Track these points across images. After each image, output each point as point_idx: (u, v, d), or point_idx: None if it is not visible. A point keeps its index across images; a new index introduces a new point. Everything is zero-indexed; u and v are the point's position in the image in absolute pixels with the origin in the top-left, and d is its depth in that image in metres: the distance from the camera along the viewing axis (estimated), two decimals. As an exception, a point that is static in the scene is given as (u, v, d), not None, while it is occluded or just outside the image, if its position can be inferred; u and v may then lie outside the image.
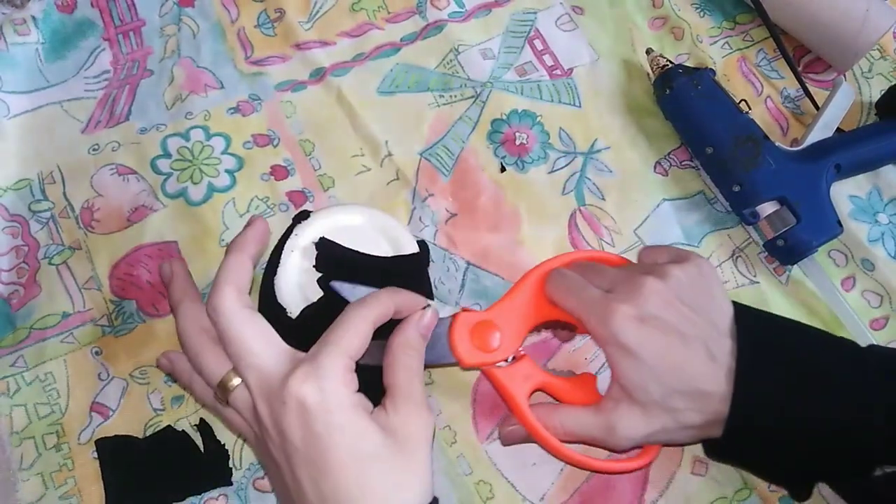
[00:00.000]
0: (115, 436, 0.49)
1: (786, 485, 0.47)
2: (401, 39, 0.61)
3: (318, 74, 0.60)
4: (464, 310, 0.46)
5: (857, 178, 0.58)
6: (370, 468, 0.37)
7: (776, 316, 0.47)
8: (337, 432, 0.37)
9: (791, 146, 0.56)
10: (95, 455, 0.49)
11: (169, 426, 0.49)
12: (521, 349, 0.47)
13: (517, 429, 0.46)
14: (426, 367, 0.44)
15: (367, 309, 0.41)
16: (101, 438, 0.49)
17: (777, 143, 0.55)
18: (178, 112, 0.58)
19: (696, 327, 0.43)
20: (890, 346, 0.53)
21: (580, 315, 0.45)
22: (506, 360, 0.46)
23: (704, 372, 0.42)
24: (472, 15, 0.62)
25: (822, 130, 0.56)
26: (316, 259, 0.46)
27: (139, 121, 0.58)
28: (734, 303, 0.45)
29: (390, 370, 0.41)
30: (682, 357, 0.42)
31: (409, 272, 0.48)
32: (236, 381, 0.40)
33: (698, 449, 0.50)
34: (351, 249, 0.47)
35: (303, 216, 0.48)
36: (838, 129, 0.57)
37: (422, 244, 0.50)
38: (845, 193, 0.58)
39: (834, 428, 0.41)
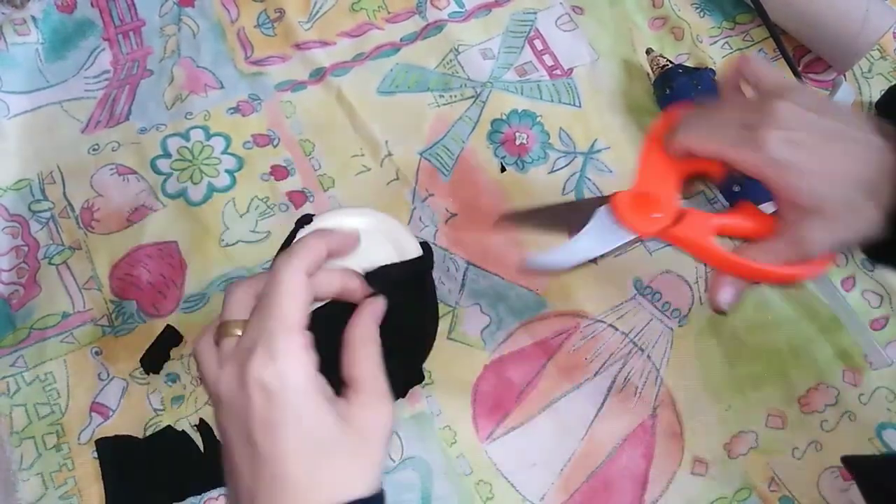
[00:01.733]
0: (115, 436, 0.49)
1: None
2: (401, 39, 0.61)
3: (318, 74, 0.60)
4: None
5: (857, 178, 0.58)
6: (322, 458, 0.36)
7: None
8: (293, 419, 0.36)
9: (791, 146, 0.56)
10: (95, 455, 0.49)
11: (169, 426, 0.49)
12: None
13: (728, 289, 0.45)
14: (402, 346, 0.43)
15: (297, 262, 0.39)
16: (101, 438, 0.49)
17: (777, 143, 0.55)
18: (178, 112, 0.58)
19: (837, 125, 0.43)
20: (889, 346, 0.53)
21: (727, 154, 0.44)
22: (675, 222, 0.45)
23: (864, 158, 0.42)
24: (472, 15, 0.62)
25: (822, 130, 0.56)
26: None
27: (139, 121, 0.58)
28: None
29: (351, 363, 0.39)
30: (838, 151, 0.42)
31: (413, 277, 0.48)
32: (237, 331, 0.39)
33: (698, 449, 0.50)
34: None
35: (305, 220, 0.49)
36: (838, 129, 0.57)
37: (425, 246, 0.50)
38: (845, 193, 0.58)
39: None
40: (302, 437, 0.36)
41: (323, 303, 0.42)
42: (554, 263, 0.44)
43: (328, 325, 0.40)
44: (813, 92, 0.45)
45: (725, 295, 0.45)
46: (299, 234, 0.48)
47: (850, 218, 0.42)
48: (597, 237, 0.44)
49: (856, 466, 0.47)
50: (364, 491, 0.37)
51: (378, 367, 0.40)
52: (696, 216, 0.45)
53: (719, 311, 0.45)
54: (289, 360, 0.37)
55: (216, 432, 0.49)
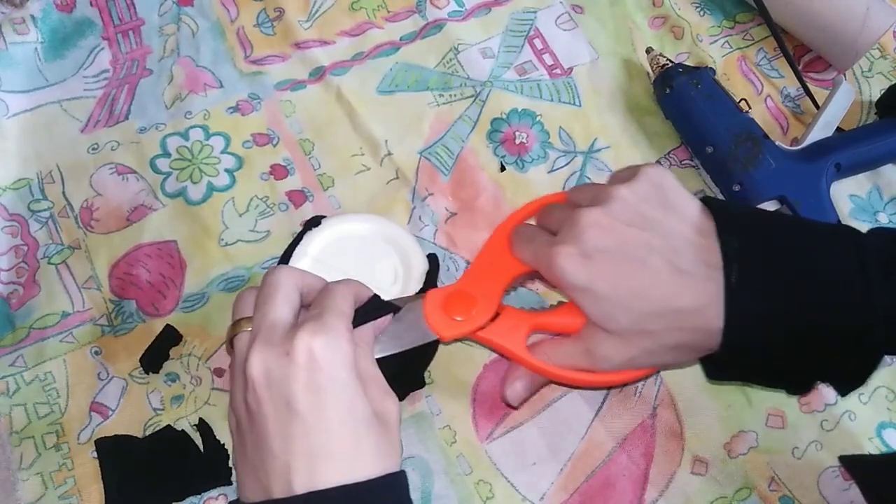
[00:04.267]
0: (115, 435, 0.49)
1: (786, 386, 0.46)
2: (400, 38, 0.61)
3: (318, 74, 0.60)
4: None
5: (857, 178, 0.58)
6: (363, 430, 0.38)
7: (759, 211, 0.44)
8: (341, 388, 0.38)
9: (791, 145, 0.56)
10: (95, 455, 0.48)
11: (168, 426, 0.49)
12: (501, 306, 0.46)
13: (519, 384, 0.45)
14: (405, 352, 0.44)
15: (348, 286, 0.42)
16: (101, 438, 0.49)
17: (777, 143, 0.55)
18: (178, 111, 0.58)
19: (651, 246, 0.40)
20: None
21: (534, 265, 0.44)
22: (490, 321, 0.45)
23: (673, 288, 0.40)
24: (471, 14, 0.62)
25: (822, 129, 0.56)
26: None
27: (138, 120, 0.57)
28: (710, 203, 0.42)
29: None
30: (642, 280, 0.40)
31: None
32: (249, 327, 0.41)
33: (698, 449, 0.50)
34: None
35: (314, 223, 0.49)
36: (838, 128, 0.57)
37: (432, 258, 0.50)
38: (845, 192, 0.58)
39: (837, 327, 0.39)
40: (346, 407, 0.38)
41: None
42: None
43: None
44: (648, 188, 0.42)
45: (515, 389, 0.45)
46: (307, 236, 0.48)
47: (644, 343, 0.41)
48: (397, 334, 0.44)
49: (854, 467, 0.46)
50: (394, 467, 0.39)
51: (375, 365, 0.42)
52: (511, 315, 0.45)
53: (508, 405, 0.46)
54: (340, 334, 0.38)
55: (216, 432, 0.49)
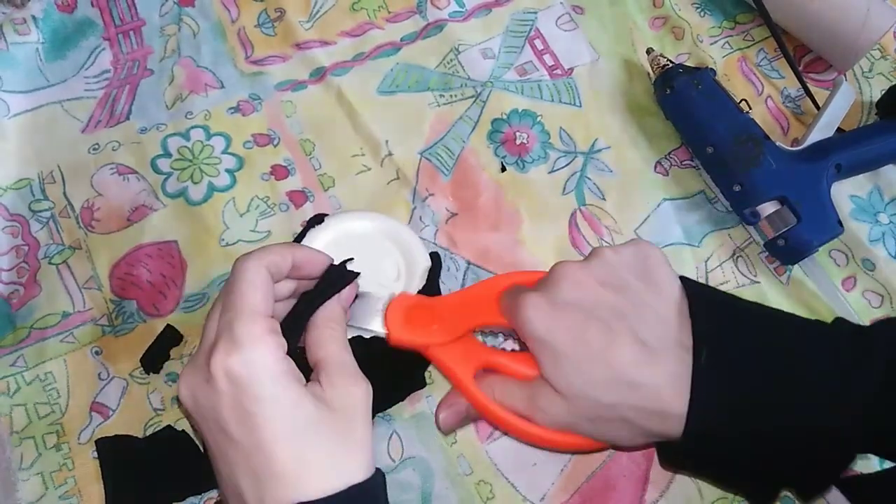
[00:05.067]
0: (115, 435, 0.49)
1: (747, 493, 0.43)
2: (401, 39, 0.61)
3: (319, 74, 0.60)
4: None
5: (857, 178, 0.58)
6: (306, 440, 0.35)
7: (735, 299, 0.42)
8: (269, 404, 0.35)
9: (792, 146, 0.56)
10: (95, 455, 0.48)
11: (169, 426, 0.49)
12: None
13: (451, 412, 0.44)
14: (404, 350, 0.43)
15: (256, 259, 0.38)
16: (101, 438, 0.49)
17: (778, 143, 0.55)
18: (179, 111, 0.58)
19: (621, 311, 0.38)
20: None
21: (505, 314, 0.42)
22: (444, 344, 0.44)
23: (632, 360, 0.37)
24: (472, 14, 0.62)
25: (822, 130, 0.56)
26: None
27: (139, 120, 0.58)
28: (688, 285, 0.40)
29: (317, 345, 0.39)
30: (603, 344, 0.38)
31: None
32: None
33: (699, 449, 0.50)
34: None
35: (317, 220, 0.49)
36: (839, 128, 0.57)
37: (434, 256, 0.50)
38: (846, 193, 0.58)
39: (808, 428, 0.37)
40: (280, 422, 0.35)
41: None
42: None
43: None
44: (633, 256, 0.40)
45: (446, 417, 0.44)
46: (310, 234, 0.48)
47: (589, 411, 0.39)
48: (356, 314, 0.43)
49: (849, 488, 0.46)
50: (359, 474, 0.36)
51: (343, 346, 0.39)
52: (468, 344, 0.44)
53: (439, 429, 0.44)
54: (254, 346, 0.35)
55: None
